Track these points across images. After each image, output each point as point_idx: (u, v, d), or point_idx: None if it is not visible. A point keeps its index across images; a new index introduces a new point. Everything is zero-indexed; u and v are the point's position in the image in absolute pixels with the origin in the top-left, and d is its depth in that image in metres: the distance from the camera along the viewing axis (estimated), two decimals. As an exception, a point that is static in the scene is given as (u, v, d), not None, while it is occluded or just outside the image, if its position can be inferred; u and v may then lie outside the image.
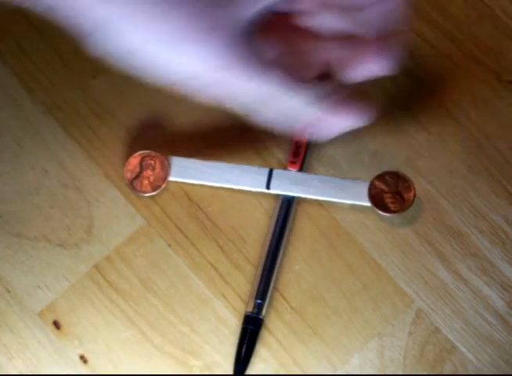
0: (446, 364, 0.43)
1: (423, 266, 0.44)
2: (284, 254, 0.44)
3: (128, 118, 0.46)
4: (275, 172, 0.44)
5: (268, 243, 0.44)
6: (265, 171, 0.44)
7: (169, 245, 0.44)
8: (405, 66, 0.47)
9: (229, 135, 0.46)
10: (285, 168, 0.45)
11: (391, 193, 0.43)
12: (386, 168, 0.45)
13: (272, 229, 0.44)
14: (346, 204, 0.44)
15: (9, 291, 0.44)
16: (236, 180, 0.44)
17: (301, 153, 0.44)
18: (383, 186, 0.43)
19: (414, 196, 0.43)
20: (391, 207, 0.43)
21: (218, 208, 0.45)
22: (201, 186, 0.45)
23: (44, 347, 0.43)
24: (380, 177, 0.43)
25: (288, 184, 0.43)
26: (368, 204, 0.43)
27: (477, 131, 0.46)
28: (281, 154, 0.46)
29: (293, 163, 0.44)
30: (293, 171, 0.44)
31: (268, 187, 0.43)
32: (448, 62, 0.47)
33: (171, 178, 0.44)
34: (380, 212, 0.43)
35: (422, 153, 0.46)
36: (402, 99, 0.46)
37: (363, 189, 0.43)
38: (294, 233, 0.44)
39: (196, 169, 0.44)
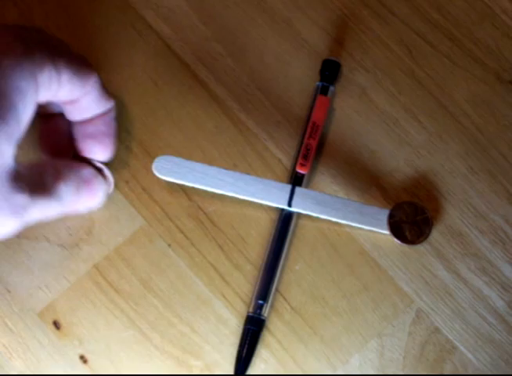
0: (446, 364, 0.43)
1: (423, 266, 0.44)
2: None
3: (128, 120, 0.46)
4: (298, 190, 0.43)
5: (270, 244, 0.43)
6: (288, 187, 0.43)
7: (169, 245, 0.44)
8: (405, 67, 0.47)
9: (229, 136, 0.46)
10: (289, 169, 0.45)
11: (409, 224, 0.43)
12: (386, 168, 0.45)
13: (274, 231, 0.44)
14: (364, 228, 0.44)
15: (9, 291, 0.43)
16: (259, 194, 0.43)
17: (311, 155, 0.44)
18: (402, 216, 0.43)
19: (431, 229, 0.43)
20: (409, 236, 0.43)
21: (218, 208, 0.45)
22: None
23: (44, 347, 0.43)
24: (399, 206, 0.43)
25: (310, 204, 0.43)
26: (386, 232, 0.43)
27: (477, 131, 0.46)
28: (282, 155, 0.45)
29: (303, 165, 0.44)
30: (316, 192, 0.43)
31: (289, 205, 0.43)
32: (448, 62, 0.47)
33: (190, 185, 0.43)
34: (398, 241, 0.43)
35: (422, 153, 0.46)
36: (402, 100, 0.46)
37: (383, 216, 0.43)
38: (295, 233, 0.44)
39: (217, 177, 0.43)
